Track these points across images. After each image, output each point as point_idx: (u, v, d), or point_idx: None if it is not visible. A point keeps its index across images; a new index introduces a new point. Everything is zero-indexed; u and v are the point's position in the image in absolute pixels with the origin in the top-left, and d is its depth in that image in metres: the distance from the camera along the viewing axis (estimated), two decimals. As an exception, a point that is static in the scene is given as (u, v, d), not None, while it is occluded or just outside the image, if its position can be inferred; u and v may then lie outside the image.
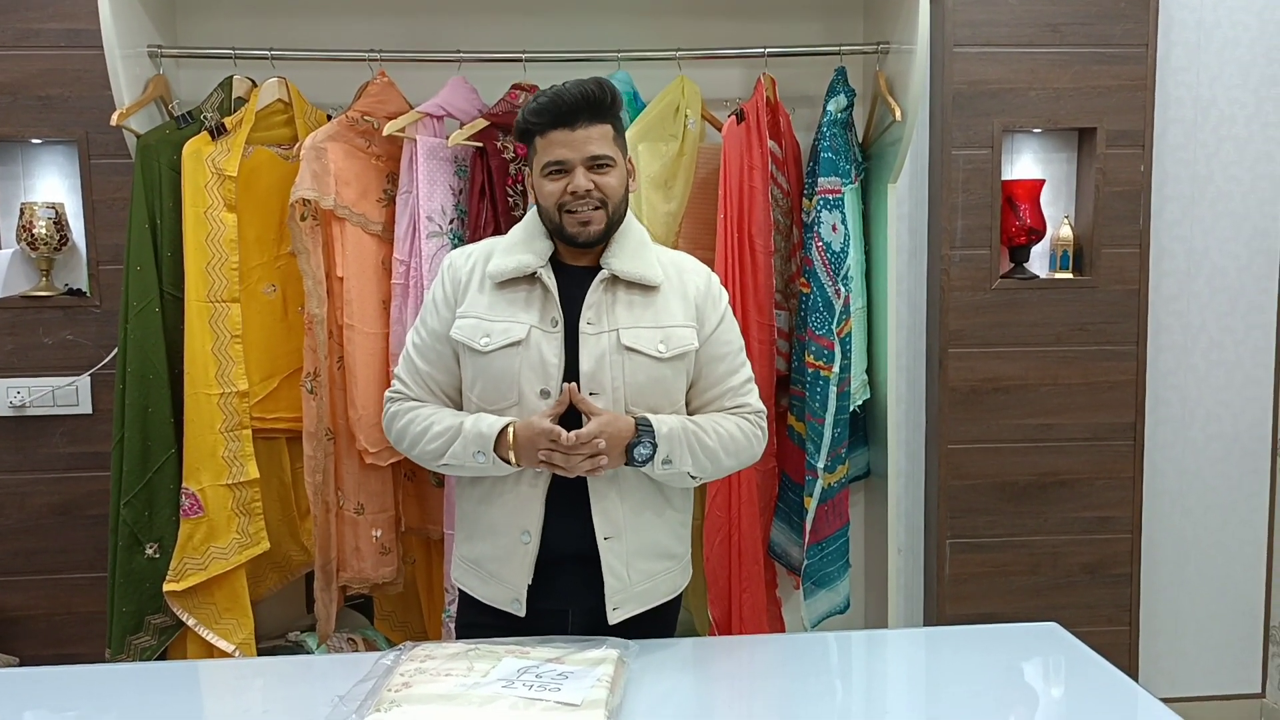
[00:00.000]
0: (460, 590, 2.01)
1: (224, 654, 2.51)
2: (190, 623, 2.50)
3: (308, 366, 2.55)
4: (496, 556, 1.90)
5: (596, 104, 1.83)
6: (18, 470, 2.82)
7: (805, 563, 2.74)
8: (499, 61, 2.67)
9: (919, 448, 3.16)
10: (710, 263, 2.25)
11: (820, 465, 2.65)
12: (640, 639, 1.85)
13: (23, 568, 2.83)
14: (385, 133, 2.54)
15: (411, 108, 2.62)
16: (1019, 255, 3.04)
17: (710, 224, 2.66)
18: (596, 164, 1.83)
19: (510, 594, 1.89)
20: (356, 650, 2.68)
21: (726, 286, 2.09)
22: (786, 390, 2.82)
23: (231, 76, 2.63)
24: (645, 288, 1.89)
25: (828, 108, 2.70)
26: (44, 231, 2.75)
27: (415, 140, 2.55)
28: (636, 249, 1.91)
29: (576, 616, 1.92)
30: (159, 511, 2.51)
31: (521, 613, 1.88)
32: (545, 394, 1.83)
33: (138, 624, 2.52)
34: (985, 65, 2.92)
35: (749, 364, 2.00)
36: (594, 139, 1.83)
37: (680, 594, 2.02)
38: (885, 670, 1.99)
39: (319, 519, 2.58)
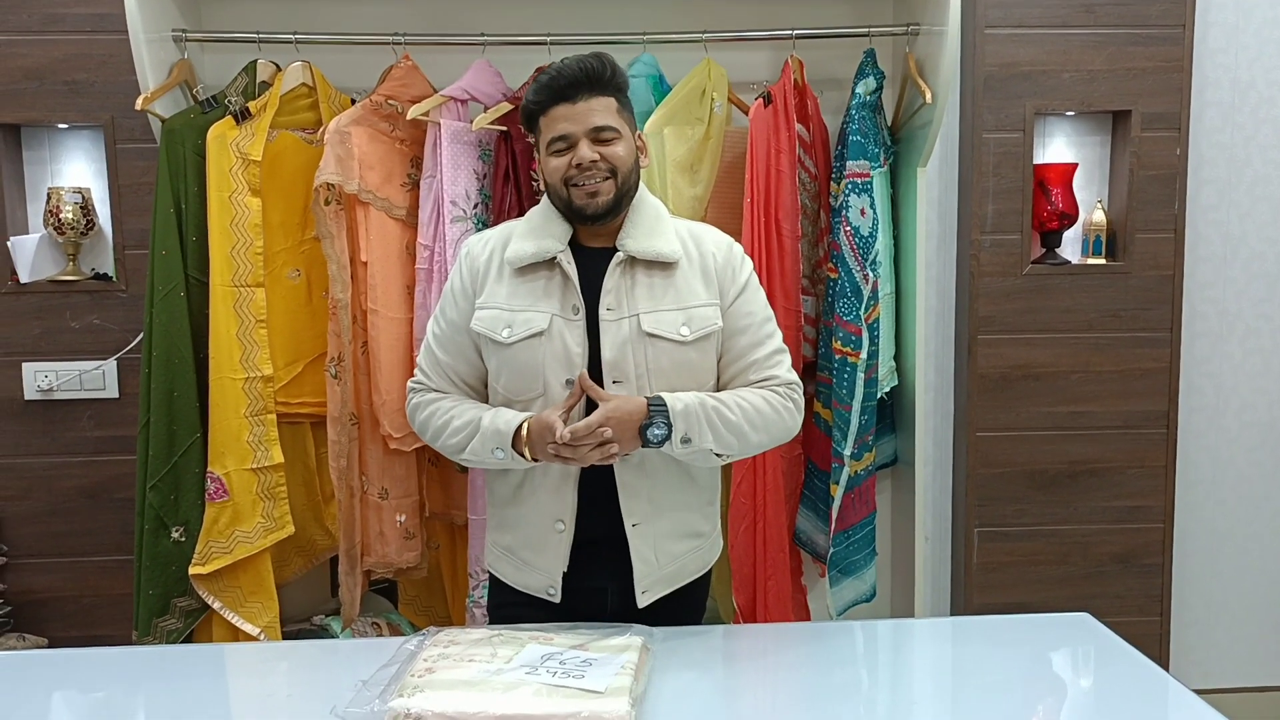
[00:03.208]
0: (493, 575, 2.00)
1: (249, 637, 2.53)
2: (216, 606, 2.52)
3: (332, 351, 2.55)
4: (530, 545, 1.88)
5: (596, 77, 1.80)
6: (46, 453, 2.84)
7: (831, 551, 2.72)
8: (523, 45, 2.65)
9: (947, 435, 3.13)
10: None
11: (847, 453, 2.62)
12: (670, 619, 1.85)
13: (51, 550, 2.86)
14: (409, 117, 2.52)
15: (435, 91, 2.60)
16: (1050, 240, 3.00)
17: (736, 208, 2.63)
18: (600, 135, 1.81)
19: (545, 581, 1.88)
20: (381, 634, 2.69)
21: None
22: (813, 377, 2.79)
23: (256, 61, 2.62)
24: (664, 265, 1.85)
25: (856, 90, 2.66)
26: (71, 216, 2.76)
27: (439, 124, 2.54)
28: (652, 225, 1.87)
29: (614, 594, 1.89)
30: (185, 495, 2.52)
31: (557, 599, 1.87)
32: (570, 384, 1.81)
33: (164, 607, 2.54)
34: (1017, 47, 2.88)
35: (778, 335, 1.94)
36: (596, 110, 1.80)
37: (710, 570, 2.01)
38: (912, 660, 1.96)
39: (343, 503, 2.58)
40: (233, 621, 2.52)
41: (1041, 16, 2.87)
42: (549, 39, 2.62)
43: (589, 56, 1.81)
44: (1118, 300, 2.97)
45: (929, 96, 2.56)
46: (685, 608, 1.95)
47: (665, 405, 1.77)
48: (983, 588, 3.03)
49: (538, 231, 1.87)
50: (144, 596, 2.52)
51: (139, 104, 2.45)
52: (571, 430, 1.71)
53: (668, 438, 1.77)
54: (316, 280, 2.62)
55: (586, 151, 1.79)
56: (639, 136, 1.89)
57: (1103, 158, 3.05)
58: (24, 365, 2.80)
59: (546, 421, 1.74)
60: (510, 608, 1.93)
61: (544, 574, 1.88)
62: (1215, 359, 3.14)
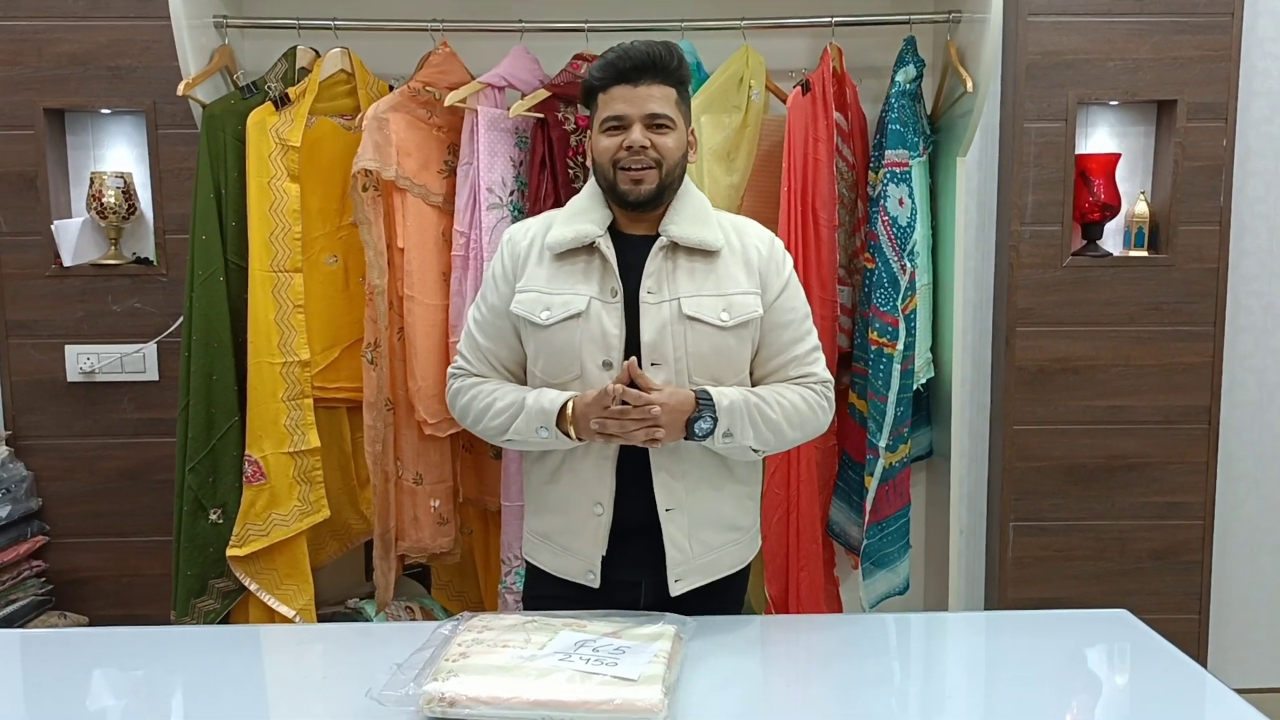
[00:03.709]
0: (529, 564, 2.01)
1: (285, 619, 2.55)
2: (252, 587, 2.54)
3: (368, 337, 2.57)
4: (569, 529, 1.89)
5: (662, 65, 1.81)
6: (87, 435, 2.88)
7: (865, 543, 2.70)
8: (561, 31, 2.65)
9: (983, 428, 3.10)
10: (772, 236, 2.21)
11: (882, 444, 2.61)
12: (706, 612, 1.84)
13: (91, 530, 2.90)
14: (447, 103, 2.53)
15: (473, 78, 2.61)
16: (1092, 232, 2.96)
17: (773, 197, 2.62)
18: (655, 122, 1.81)
19: (584, 566, 1.89)
20: (414, 618, 2.71)
21: (788, 261, 2.04)
22: (848, 367, 2.78)
23: (295, 47, 2.63)
24: (706, 254, 1.86)
25: (896, 78, 2.63)
26: (113, 200, 2.79)
27: (476, 111, 2.54)
28: (696, 215, 1.88)
29: (649, 588, 1.90)
30: (223, 478, 2.55)
31: (596, 584, 1.88)
32: (607, 365, 1.82)
33: (202, 587, 2.57)
34: (1061, 35, 2.83)
35: (815, 332, 1.96)
36: (655, 97, 1.81)
37: (748, 566, 2.00)
38: (945, 654, 1.95)
39: (378, 488, 2.60)
40: (269, 603, 2.55)
41: (1086, 4, 2.83)
42: (586, 26, 2.62)
43: (658, 43, 1.82)
44: (1160, 293, 2.92)
45: (970, 85, 2.53)
46: (720, 603, 1.94)
47: (712, 400, 1.78)
48: (1017, 582, 3.01)
49: (578, 217, 1.88)
50: (182, 577, 2.55)
51: (181, 89, 2.47)
52: (624, 391, 1.72)
53: (711, 432, 1.78)
54: (354, 266, 2.64)
55: (638, 135, 1.80)
56: (691, 132, 1.90)
57: (1147, 148, 3.00)
58: (66, 348, 2.84)
59: (595, 394, 1.75)
60: (546, 600, 1.93)
61: (582, 559, 1.88)
62: (1259, 354, 3.09)
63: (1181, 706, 1.62)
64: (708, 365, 1.83)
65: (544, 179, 2.57)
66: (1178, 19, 2.83)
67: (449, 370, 2.00)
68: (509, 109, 2.55)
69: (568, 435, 1.80)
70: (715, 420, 1.78)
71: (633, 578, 1.90)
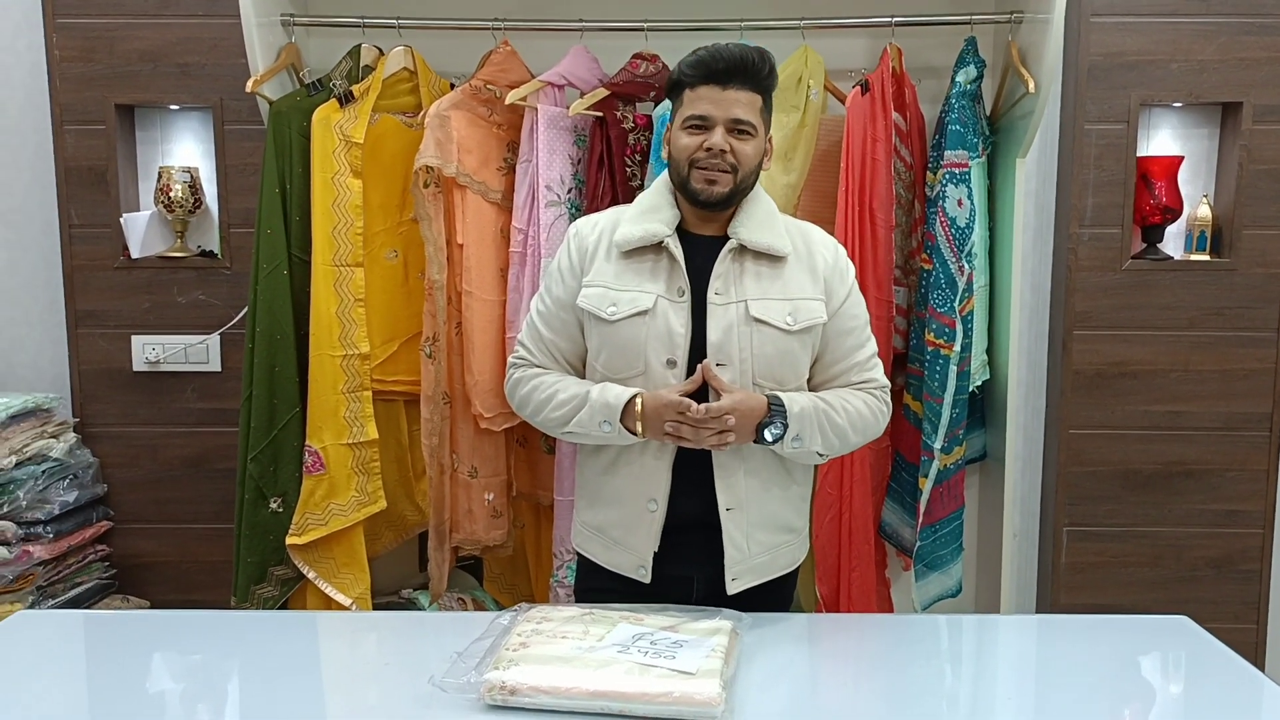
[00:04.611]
0: (581, 556, 2.02)
1: (341, 607, 2.59)
2: (311, 575, 2.59)
3: (427, 331, 2.60)
4: (622, 524, 1.91)
5: (753, 70, 1.81)
6: (151, 423, 2.94)
7: (918, 544, 2.69)
8: (621, 31, 2.66)
9: (1038, 431, 3.07)
10: (829, 236, 2.21)
11: (937, 446, 2.60)
12: (757, 611, 1.85)
13: (155, 516, 2.96)
14: (507, 101, 2.55)
15: (533, 77, 2.63)
16: (1152, 235, 2.92)
17: (830, 197, 2.61)
18: (738, 128, 1.82)
19: (636, 560, 1.90)
20: (466, 609, 2.74)
21: (844, 261, 2.05)
22: (903, 368, 2.77)
23: (360, 45, 2.68)
24: (773, 258, 1.87)
25: (956, 79, 2.62)
26: (180, 195, 2.85)
27: (536, 109, 2.56)
28: (765, 219, 1.89)
29: (700, 584, 1.91)
30: (283, 467, 2.59)
31: (647, 579, 1.89)
32: (671, 363, 1.83)
33: (261, 574, 2.62)
34: (1123, 35, 2.80)
35: (874, 338, 1.98)
36: (741, 103, 1.81)
37: (797, 568, 2.02)
38: (997, 656, 1.94)
39: (434, 480, 2.63)
40: (326, 591, 2.59)
41: (1150, 4, 2.79)
42: (646, 26, 2.63)
43: (751, 48, 1.82)
44: (1222, 298, 2.88)
45: (1031, 86, 2.51)
46: (769, 604, 1.95)
47: (784, 406, 1.80)
48: (1070, 588, 2.98)
49: (646, 216, 1.89)
50: (243, 564, 2.60)
51: (249, 86, 2.53)
52: (706, 408, 1.74)
53: (782, 437, 1.80)
54: (413, 261, 2.67)
55: (719, 139, 1.80)
56: (769, 139, 1.90)
57: (1210, 151, 2.96)
58: (133, 338, 2.90)
59: (668, 399, 1.77)
60: (597, 593, 1.95)
61: (634, 554, 1.90)
62: (1324, 361, 3.03)
63: (1243, 716, 1.60)
64: (771, 367, 1.84)
65: (602, 177, 2.59)
66: (1244, 20, 2.78)
67: (509, 360, 2.02)
68: (568, 107, 2.57)
69: (632, 431, 1.82)
70: (786, 425, 1.80)
71: (684, 575, 1.91)
